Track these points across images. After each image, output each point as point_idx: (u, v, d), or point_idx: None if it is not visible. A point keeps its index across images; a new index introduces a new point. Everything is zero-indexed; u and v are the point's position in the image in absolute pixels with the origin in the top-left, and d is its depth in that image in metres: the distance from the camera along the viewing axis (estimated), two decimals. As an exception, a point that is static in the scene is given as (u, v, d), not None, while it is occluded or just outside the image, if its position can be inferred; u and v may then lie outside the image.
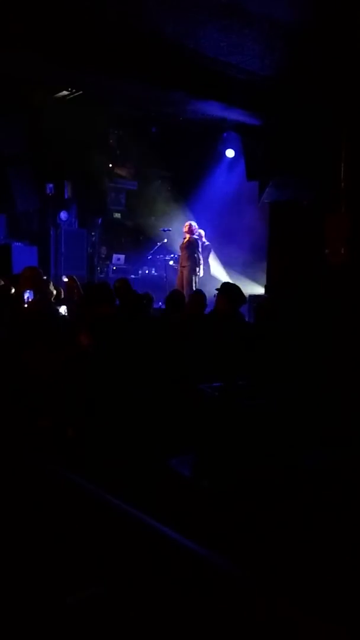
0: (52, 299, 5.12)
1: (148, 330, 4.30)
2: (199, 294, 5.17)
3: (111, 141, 9.64)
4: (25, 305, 4.17)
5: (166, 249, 9.42)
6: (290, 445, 2.84)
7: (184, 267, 8.29)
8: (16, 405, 2.62)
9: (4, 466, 1.68)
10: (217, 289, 4.42)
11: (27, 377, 2.81)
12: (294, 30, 5.41)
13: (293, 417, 2.95)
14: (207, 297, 5.02)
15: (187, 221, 8.60)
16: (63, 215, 9.01)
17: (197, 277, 8.24)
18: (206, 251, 8.92)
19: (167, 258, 9.37)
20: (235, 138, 8.63)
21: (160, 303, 7.44)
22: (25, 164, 8.56)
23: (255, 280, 9.01)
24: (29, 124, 8.34)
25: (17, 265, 7.34)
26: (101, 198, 9.59)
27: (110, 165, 9.64)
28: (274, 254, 7.85)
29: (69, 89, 7.57)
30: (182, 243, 8.42)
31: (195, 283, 8.11)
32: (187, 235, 8.34)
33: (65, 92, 7.74)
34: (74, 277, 5.99)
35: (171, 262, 9.30)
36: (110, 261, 9.93)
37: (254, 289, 8.63)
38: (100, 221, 9.81)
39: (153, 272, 10.06)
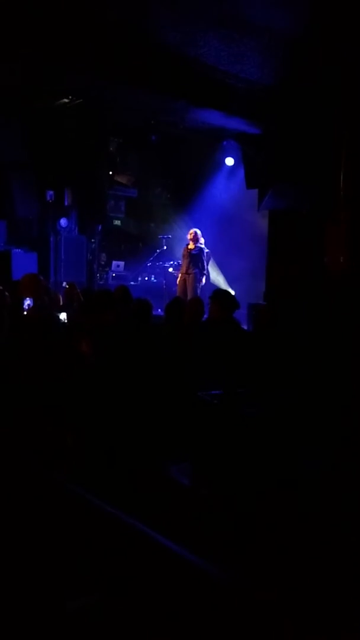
0: (51, 306, 5.12)
1: (149, 337, 4.30)
2: (197, 301, 5.16)
3: (111, 149, 9.68)
4: (25, 313, 4.17)
5: (165, 256, 9.44)
6: (290, 453, 2.83)
7: (188, 274, 8.23)
8: (15, 413, 2.61)
9: (2, 473, 1.67)
10: (209, 297, 4.43)
11: (27, 384, 2.80)
12: (294, 40, 5.46)
13: (293, 425, 2.94)
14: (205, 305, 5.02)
15: (187, 229, 8.61)
16: (63, 222, 9.04)
17: (201, 285, 8.24)
18: (207, 258, 8.94)
19: (166, 265, 9.39)
20: (235, 146, 8.67)
21: (159, 310, 7.44)
22: (25, 170, 8.59)
23: (254, 288, 9.02)
24: (29, 131, 8.38)
25: (16, 271, 7.35)
26: (101, 205, 9.62)
27: (111, 172, 9.68)
28: (273, 262, 7.87)
29: (70, 97, 7.61)
30: (186, 250, 8.37)
31: (197, 292, 8.10)
32: (192, 243, 8.33)
33: (65, 100, 7.79)
34: (74, 283, 6.00)
35: (170, 269, 9.31)
36: (110, 268, 9.95)
37: (253, 296, 8.64)
38: (100, 228, 9.84)
39: (152, 279, 10.07)
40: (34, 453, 2.18)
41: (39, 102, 7.88)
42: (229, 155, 9.15)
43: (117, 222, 9.94)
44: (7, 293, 4.64)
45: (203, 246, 8.41)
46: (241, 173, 8.58)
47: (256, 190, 8.11)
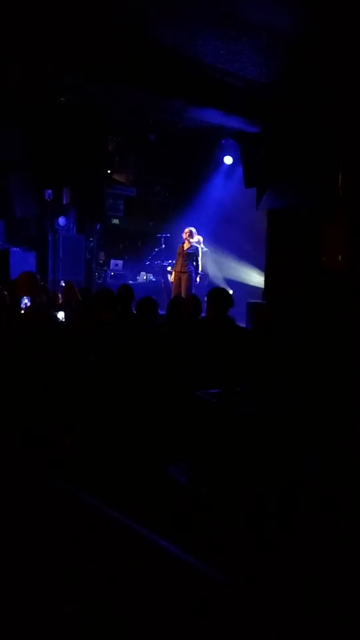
0: (49, 304, 5.11)
1: (148, 336, 4.29)
2: (194, 299, 5.15)
3: (110, 147, 9.67)
4: (23, 312, 4.16)
5: (164, 255, 9.44)
6: (289, 452, 2.83)
7: (183, 272, 8.30)
8: (12, 413, 2.60)
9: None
10: (206, 296, 4.43)
11: (25, 384, 2.80)
12: (293, 38, 5.45)
13: (291, 425, 2.94)
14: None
15: (185, 227, 8.62)
16: (61, 220, 9.02)
17: (196, 283, 8.26)
18: (205, 257, 8.94)
19: (165, 264, 9.39)
20: (234, 145, 8.67)
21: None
22: (23, 169, 8.58)
23: (253, 286, 9.03)
24: (27, 129, 8.37)
25: (14, 270, 7.34)
26: (99, 204, 9.61)
27: (109, 171, 9.67)
28: (272, 261, 7.87)
29: (68, 96, 7.60)
30: (181, 248, 8.42)
31: (192, 290, 8.12)
32: (187, 242, 8.36)
33: (63, 99, 7.77)
34: (71, 282, 5.99)
35: (169, 268, 9.31)
36: (108, 267, 9.95)
37: (252, 295, 8.64)
38: (98, 227, 9.83)
39: (151, 277, 10.08)
40: (30, 452, 2.17)
41: (37, 101, 7.86)
42: (227, 154, 9.15)
43: (116, 221, 9.93)
44: (5, 292, 4.63)
45: (199, 245, 8.43)
46: (240, 172, 8.58)
47: (255, 189, 8.10)
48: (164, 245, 9.35)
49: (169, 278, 9.12)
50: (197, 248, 8.34)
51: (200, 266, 8.35)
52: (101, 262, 10.00)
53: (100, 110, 7.98)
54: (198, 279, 8.35)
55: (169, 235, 9.33)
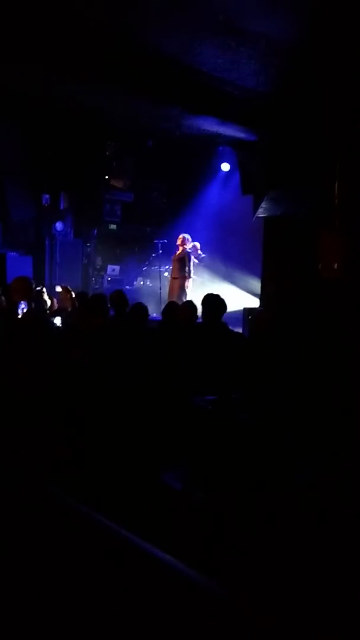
0: (46, 309, 5.11)
1: (142, 342, 4.30)
2: (188, 305, 5.16)
3: (107, 153, 9.70)
4: (19, 317, 4.16)
5: (161, 261, 9.47)
6: (284, 458, 2.84)
7: (175, 278, 8.42)
8: (8, 421, 2.60)
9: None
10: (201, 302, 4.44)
11: (21, 391, 2.79)
12: (290, 48, 5.50)
13: (288, 431, 2.95)
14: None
15: (181, 233, 8.67)
16: (58, 225, 9.04)
17: (187, 290, 8.33)
18: (202, 263, 8.98)
19: (161, 269, 9.41)
20: (231, 152, 8.72)
21: (154, 314, 7.45)
22: (21, 174, 8.60)
23: (250, 292, 9.06)
24: (25, 134, 8.39)
25: (11, 275, 7.35)
26: (97, 209, 9.63)
27: (107, 177, 9.70)
28: (268, 267, 7.91)
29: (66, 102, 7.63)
30: (175, 255, 8.53)
31: (186, 295, 8.17)
32: (180, 248, 8.46)
33: (62, 104, 7.80)
34: (68, 287, 5.99)
35: (166, 274, 9.34)
36: (105, 272, 9.96)
37: (249, 301, 8.67)
38: (95, 232, 9.85)
39: (148, 283, 10.10)
40: (25, 462, 2.17)
41: (35, 107, 7.89)
42: (224, 161, 9.20)
43: (113, 226, 9.95)
44: (3, 297, 4.63)
45: (190, 250, 8.50)
46: (237, 178, 8.63)
47: (252, 196, 8.15)
48: (160, 251, 9.38)
49: (166, 284, 9.16)
50: (188, 255, 8.44)
51: (190, 272, 8.41)
52: (98, 267, 10.01)
53: (98, 116, 8.02)
54: (189, 283, 8.40)
55: (165, 240, 9.36)
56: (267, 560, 2.11)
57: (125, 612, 0.73)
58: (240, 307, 7.82)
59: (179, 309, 5.14)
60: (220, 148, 8.97)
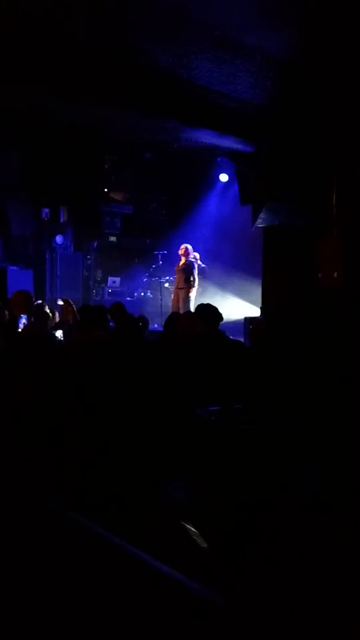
0: (48, 323, 5.12)
1: (143, 354, 4.30)
2: (189, 315, 5.15)
3: (106, 166, 9.78)
4: (20, 330, 4.17)
5: (161, 272, 9.50)
6: (288, 469, 2.83)
7: (180, 289, 8.40)
8: (10, 437, 2.60)
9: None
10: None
11: (22, 405, 2.80)
12: (286, 60, 5.57)
13: (291, 441, 2.94)
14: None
15: (182, 244, 8.70)
16: (59, 239, 9.09)
17: (192, 299, 8.32)
18: (202, 273, 9.02)
19: (162, 280, 9.44)
20: (229, 162, 8.78)
21: (156, 325, 7.46)
22: (21, 189, 8.66)
23: (250, 302, 9.08)
24: (24, 149, 8.46)
25: (12, 288, 7.38)
26: (96, 222, 9.69)
27: (106, 189, 9.77)
28: (268, 277, 7.94)
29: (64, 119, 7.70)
30: (178, 265, 8.53)
31: (191, 304, 8.17)
32: (183, 258, 8.46)
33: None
34: (69, 300, 6.01)
35: (166, 285, 9.36)
36: (106, 284, 9.99)
37: (249, 311, 8.68)
38: (95, 245, 9.89)
39: (148, 294, 10.12)
40: (27, 477, 2.17)
41: (34, 123, 7.97)
42: (223, 172, 9.26)
43: (113, 239, 10.00)
44: (6, 311, 4.65)
45: (193, 260, 8.51)
46: (235, 189, 8.68)
47: (250, 207, 8.19)
48: (161, 262, 9.41)
49: (167, 295, 9.18)
50: (190, 263, 8.44)
51: (195, 282, 8.42)
52: (99, 279, 10.04)
53: (96, 130, 8.10)
54: (193, 293, 8.41)
55: (165, 252, 9.40)
56: (271, 571, 2.09)
57: (127, 626, 0.73)
58: (241, 317, 7.84)
59: (180, 321, 5.14)
60: (219, 159, 9.03)
